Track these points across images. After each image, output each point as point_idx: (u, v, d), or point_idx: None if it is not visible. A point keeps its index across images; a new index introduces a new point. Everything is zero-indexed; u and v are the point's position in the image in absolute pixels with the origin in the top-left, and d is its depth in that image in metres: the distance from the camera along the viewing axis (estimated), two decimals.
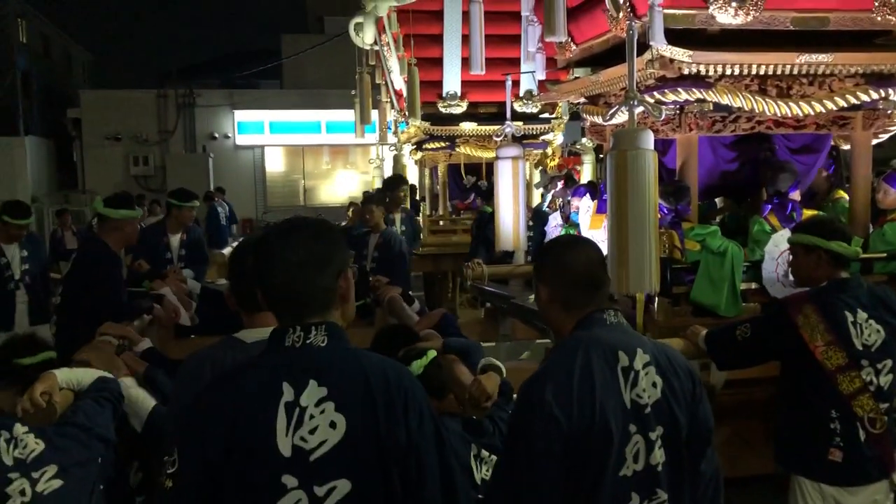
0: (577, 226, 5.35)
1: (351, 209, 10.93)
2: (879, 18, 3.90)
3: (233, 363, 2.00)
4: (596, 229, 5.09)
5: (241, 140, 20.16)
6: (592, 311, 1.98)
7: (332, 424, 1.54)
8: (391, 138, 10.55)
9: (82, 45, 28.36)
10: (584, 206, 4.61)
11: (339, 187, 20.88)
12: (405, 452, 1.57)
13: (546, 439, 1.82)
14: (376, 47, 9.29)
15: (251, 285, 1.77)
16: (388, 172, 10.80)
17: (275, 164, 20.85)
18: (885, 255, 4.12)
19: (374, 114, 10.25)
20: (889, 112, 4.22)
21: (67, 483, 2.20)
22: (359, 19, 8.70)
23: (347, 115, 13.17)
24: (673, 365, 1.98)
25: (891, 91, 4.09)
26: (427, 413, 1.64)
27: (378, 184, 11.71)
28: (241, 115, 20.06)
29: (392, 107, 9.94)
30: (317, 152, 21.05)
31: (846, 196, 4.64)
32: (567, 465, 1.83)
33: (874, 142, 4.37)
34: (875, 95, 4.06)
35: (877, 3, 3.87)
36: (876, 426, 2.74)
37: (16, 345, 2.61)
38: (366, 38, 8.83)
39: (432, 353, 2.53)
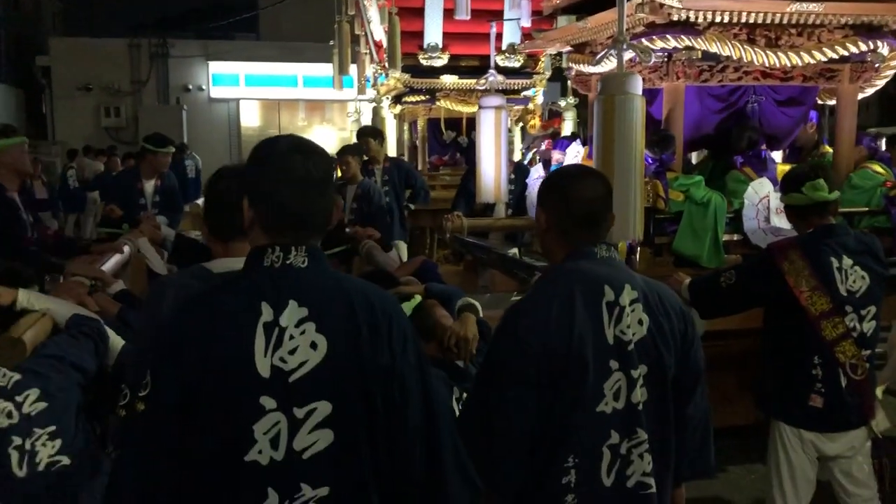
0: None
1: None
2: None
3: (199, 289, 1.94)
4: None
5: (216, 93, 19.77)
6: (584, 243, 1.93)
7: (313, 345, 1.49)
8: (370, 92, 10.37)
9: None
10: (573, 152, 4.54)
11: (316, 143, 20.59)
12: (388, 376, 1.54)
13: (518, 365, 1.80)
14: None
15: (232, 210, 1.69)
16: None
17: (250, 118, 20.51)
18: (866, 209, 4.12)
19: (353, 68, 10.07)
20: (876, 65, 4.18)
21: (52, 405, 2.17)
22: None
23: (325, 70, 12.93)
24: (664, 304, 1.93)
25: (879, 43, 4.06)
26: (411, 338, 1.60)
27: (356, 139, 11.58)
28: (215, 67, 19.65)
29: (371, 59, 9.75)
30: (293, 107, 20.73)
31: (828, 149, 4.63)
32: (540, 393, 1.80)
33: (860, 96, 4.34)
34: (864, 47, 4.02)
35: None
36: (857, 372, 2.75)
37: None
38: None
39: (418, 298, 2.49)
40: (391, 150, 9.65)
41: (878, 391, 4.94)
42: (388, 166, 7.03)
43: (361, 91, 10.33)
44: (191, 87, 19.64)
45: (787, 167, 4.04)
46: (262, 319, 1.48)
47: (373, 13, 8.90)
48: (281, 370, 1.47)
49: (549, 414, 1.81)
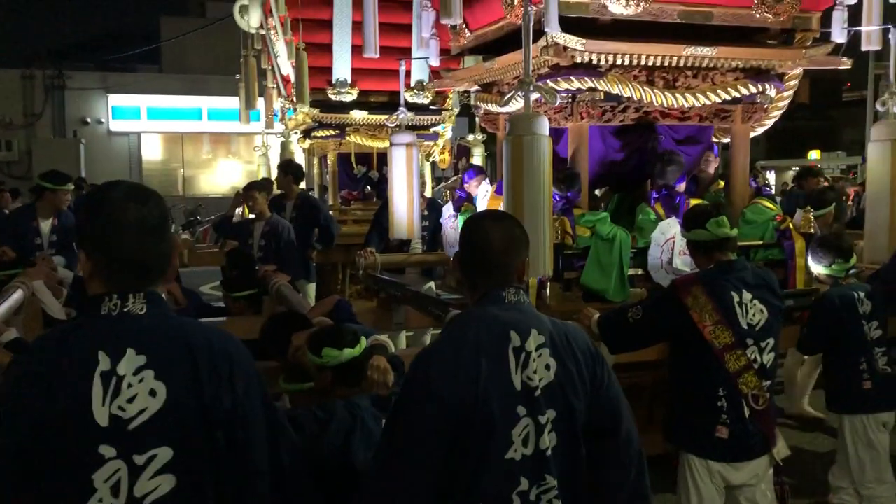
0: (475, 208, 5.35)
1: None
2: (758, 16, 4.09)
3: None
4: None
5: (116, 126, 19.19)
6: (493, 288, 1.94)
7: (153, 392, 1.50)
8: (278, 126, 10.27)
9: None
10: (483, 191, 4.60)
11: (221, 177, 20.21)
12: (230, 418, 1.55)
13: (425, 414, 1.79)
14: (262, 31, 9.01)
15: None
16: (275, 161, 10.51)
17: (152, 151, 19.96)
18: (760, 242, 4.32)
19: (260, 102, 9.96)
20: (765, 106, 4.43)
21: None
22: (244, 1, 8.43)
23: (230, 102, 12.74)
24: (572, 346, 1.93)
25: (767, 86, 4.30)
26: (254, 379, 1.62)
27: (263, 173, 11.39)
28: (115, 100, 19.08)
29: (279, 93, 9.67)
30: (197, 140, 20.31)
31: (721, 185, 4.86)
32: (448, 442, 1.79)
33: (751, 134, 4.58)
34: (753, 90, 4.25)
35: (756, 1, 4.06)
36: (759, 402, 2.86)
37: None
38: (251, 20, 8.57)
39: (364, 341, 2.52)
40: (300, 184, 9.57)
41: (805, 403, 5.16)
42: (298, 203, 6.96)
43: (269, 125, 10.21)
44: (89, 119, 19.00)
45: (695, 201, 4.22)
46: (100, 368, 1.48)
47: (280, 48, 8.84)
48: (120, 418, 1.47)
49: (460, 462, 1.80)
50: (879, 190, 3.91)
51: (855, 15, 4.26)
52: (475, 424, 1.79)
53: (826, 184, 8.11)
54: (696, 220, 3.02)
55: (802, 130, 29.96)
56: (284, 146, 9.98)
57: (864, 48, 4.26)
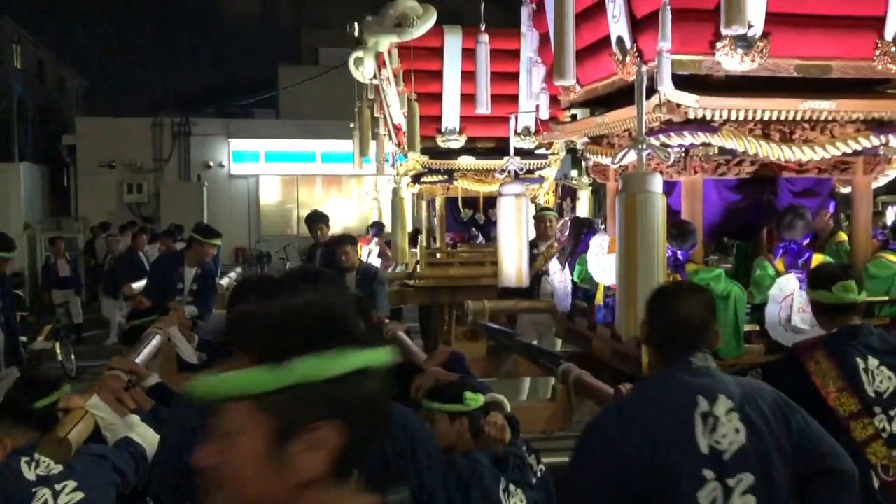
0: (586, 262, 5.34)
1: None
2: (880, 67, 3.99)
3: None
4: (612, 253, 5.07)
5: (236, 169, 20.22)
6: (681, 354, 2.02)
7: None
8: (388, 170, 10.60)
9: (76, 71, 28.45)
10: (598, 241, 4.59)
11: (333, 217, 20.87)
12: None
13: (602, 470, 1.90)
14: (375, 81, 9.37)
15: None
16: (386, 204, 10.84)
17: (269, 193, 20.89)
18: (885, 298, 4.17)
19: (372, 145, 10.32)
20: (889, 157, 4.29)
21: (88, 497, 2.23)
22: (359, 54, 8.80)
23: (342, 146, 13.21)
24: (760, 407, 1.99)
25: (891, 137, 4.17)
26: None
27: (374, 215, 11.73)
28: (236, 145, 20.13)
29: (390, 140, 10.00)
30: (311, 182, 21.11)
31: (844, 237, 4.70)
32: (621, 494, 1.90)
33: (874, 185, 4.44)
34: (876, 141, 4.14)
35: (878, 53, 3.97)
36: (889, 473, 2.76)
37: (28, 386, 2.62)
38: (365, 72, 8.93)
39: (480, 397, 2.61)
40: (409, 226, 9.85)
41: None
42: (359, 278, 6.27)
43: (380, 171, 10.55)
44: (211, 163, 20.11)
45: (819, 257, 4.11)
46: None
47: (392, 98, 9.17)
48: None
49: None
50: None
51: None
52: (656, 486, 1.88)
53: None
54: (822, 280, 2.96)
55: None
56: (395, 192, 10.29)
57: None
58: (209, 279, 6.14)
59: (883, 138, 4.14)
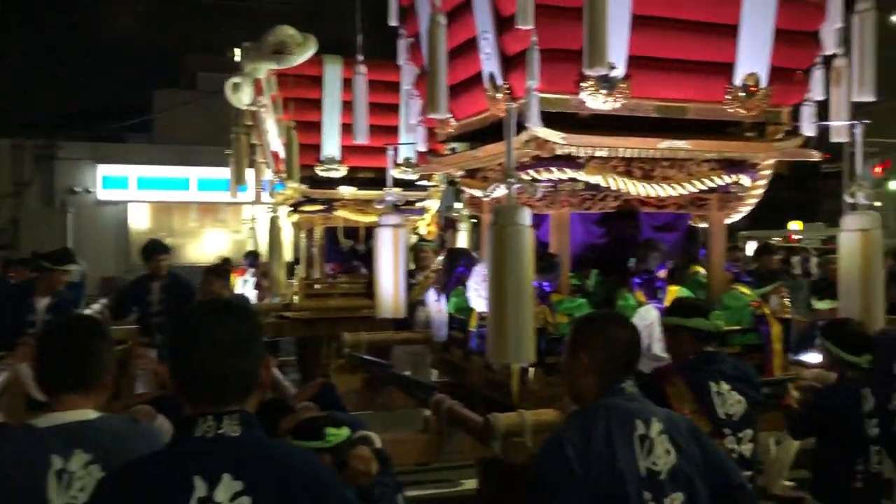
0: (461, 293, 5.39)
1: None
2: (731, 110, 4.28)
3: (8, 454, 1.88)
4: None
5: (105, 195, 19.32)
6: (614, 381, 2.07)
7: None
8: (266, 199, 10.40)
9: None
10: (479, 271, 4.66)
11: (209, 246, 20.27)
12: None
13: (565, 486, 1.93)
14: (254, 108, 9.22)
15: (61, 363, 1.85)
16: (263, 233, 10.61)
17: (140, 220, 20.07)
18: (738, 328, 4.42)
19: (250, 173, 10.11)
20: (740, 195, 4.58)
21: None
22: (237, 79, 8.64)
23: (218, 173, 12.84)
24: (679, 429, 2.10)
25: (741, 176, 4.46)
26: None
27: (251, 245, 11.48)
28: (105, 170, 19.27)
29: (268, 168, 9.83)
30: (185, 209, 20.44)
31: (702, 270, 4.97)
32: None
33: (727, 221, 4.72)
34: (728, 180, 4.41)
35: (728, 97, 4.25)
36: None
37: None
38: (243, 98, 8.77)
39: (346, 430, 2.55)
40: (287, 256, 9.66)
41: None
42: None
43: (258, 199, 10.34)
44: (78, 189, 19.12)
45: (675, 289, 4.32)
46: (196, 495, 1.45)
47: (270, 125, 9.05)
48: None
49: None
50: (851, 280, 4.03)
51: (824, 109, 4.46)
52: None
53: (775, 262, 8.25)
54: (696, 309, 3.16)
55: (783, 201, 30.47)
56: (273, 220, 10.10)
57: (832, 140, 4.45)
58: (64, 309, 5.77)
59: (734, 177, 4.43)
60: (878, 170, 22.58)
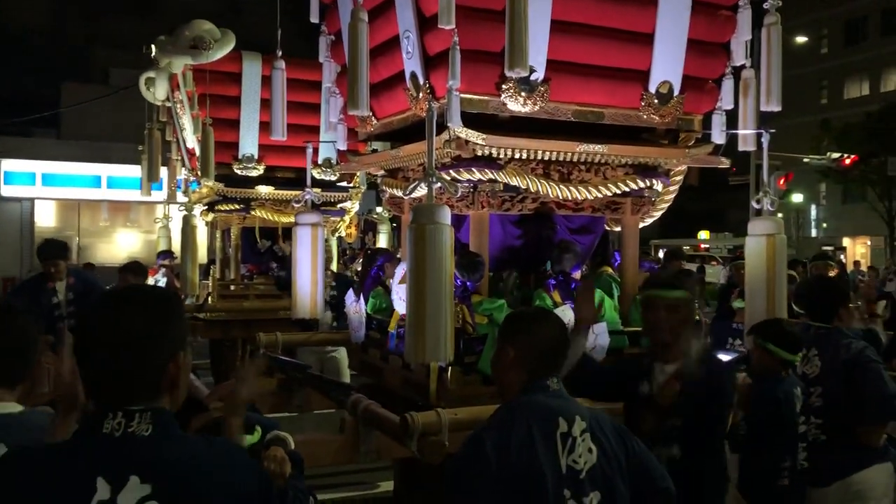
0: (380, 293, 5.36)
1: None
2: (645, 116, 4.39)
3: None
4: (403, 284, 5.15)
5: (7, 191, 18.45)
6: (538, 377, 2.08)
7: None
8: (181, 197, 10.12)
9: None
10: (398, 275, 4.64)
11: (119, 246, 19.58)
12: None
13: (483, 482, 1.92)
14: (168, 104, 8.97)
15: None
16: (177, 232, 10.31)
17: (46, 218, 19.23)
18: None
19: (164, 172, 9.82)
20: (653, 199, 4.71)
21: None
22: (151, 74, 8.39)
23: (131, 171, 12.48)
24: (604, 429, 2.10)
25: (654, 181, 4.58)
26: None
27: (163, 244, 11.12)
28: (9, 165, 18.40)
29: (183, 165, 9.58)
30: (95, 207, 19.72)
31: (610, 270, 5.08)
32: None
33: (640, 225, 4.84)
34: (641, 184, 4.53)
35: (643, 103, 4.37)
36: None
37: None
38: (158, 93, 8.52)
39: (259, 432, 2.53)
40: (202, 257, 9.40)
41: None
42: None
43: (172, 197, 10.07)
44: None
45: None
46: (97, 497, 1.34)
47: (186, 121, 8.82)
48: None
49: None
50: (757, 283, 4.19)
51: (733, 118, 4.63)
52: (527, 500, 1.94)
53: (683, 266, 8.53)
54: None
55: (692, 212, 31.69)
56: (187, 220, 9.82)
57: (740, 149, 4.62)
58: None
59: (648, 182, 4.55)
60: (781, 182, 23.66)
